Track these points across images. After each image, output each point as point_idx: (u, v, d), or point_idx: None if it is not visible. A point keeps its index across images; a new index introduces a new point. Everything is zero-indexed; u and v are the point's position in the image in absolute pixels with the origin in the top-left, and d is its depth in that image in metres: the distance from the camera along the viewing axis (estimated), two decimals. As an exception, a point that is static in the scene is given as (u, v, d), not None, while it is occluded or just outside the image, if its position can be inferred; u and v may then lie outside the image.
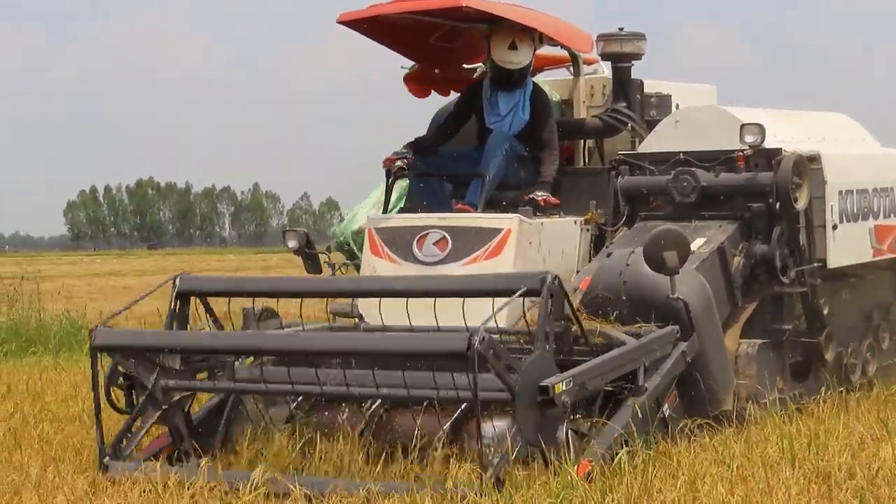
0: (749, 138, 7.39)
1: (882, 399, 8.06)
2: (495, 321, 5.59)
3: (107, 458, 6.21)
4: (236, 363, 6.54)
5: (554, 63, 9.16)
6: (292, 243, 8.19)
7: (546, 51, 8.71)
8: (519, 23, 7.74)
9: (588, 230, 7.84)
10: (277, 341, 6.43)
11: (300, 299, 6.79)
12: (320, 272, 8.18)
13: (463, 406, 5.95)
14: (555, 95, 8.73)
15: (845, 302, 8.42)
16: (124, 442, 6.32)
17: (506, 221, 7.24)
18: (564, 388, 5.43)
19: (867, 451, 6.16)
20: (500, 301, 5.77)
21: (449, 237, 7.28)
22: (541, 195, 7.58)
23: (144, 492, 5.65)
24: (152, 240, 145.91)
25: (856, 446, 6.23)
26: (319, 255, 8.23)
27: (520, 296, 5.75)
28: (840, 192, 7.83)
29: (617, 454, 5.57)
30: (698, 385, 6.58)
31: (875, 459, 5.86)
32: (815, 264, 7.66)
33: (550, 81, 8.85)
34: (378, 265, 7.49)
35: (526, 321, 6.47)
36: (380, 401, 6.27)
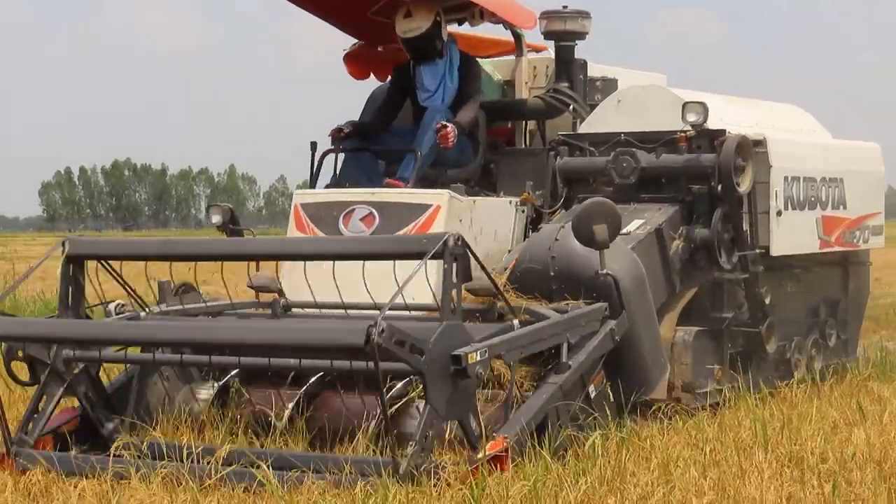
0: (691, 117, 7.42)
1: (855, 384, 8.11)
2: (402, 297, 5.48)
3: (13, 445, 6.02)
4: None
5: (502, 50, 9.11)
6: (216, 218, 8.10)
7: (492, 34, 8.75)
8: None
9: (523, 211, 7.85)
10: (166, 332, 6.24)
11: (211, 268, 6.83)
12: None
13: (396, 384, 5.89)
14: (496, 76, 8.75)
15: (790, 294, 8.46)
16: (30, 425, 6.14)
17: (435, 197, 7.21)
18: (478, 358, 5.34)
19: (840, 435, 6.35)
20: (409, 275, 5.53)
21: (376, 213, 7.25)
22: (448, 126, 7.49)
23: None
24: (128, 221, 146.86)
25: (828, 431, 6.38)
26: (244, 231, 8.16)
27: (420, 259, 5.55)
28: (786, 178, 7.87)
29: (540, 432, 5.58)
30: (628, 366, 6.55)
31: (848, 444, 6.02)
32: (758, 251, 7.68)
33: (493, 62, 8.84)
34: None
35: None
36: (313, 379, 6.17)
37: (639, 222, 7.32)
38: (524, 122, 8.65)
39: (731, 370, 7.78)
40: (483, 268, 5.92)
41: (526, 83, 8.65)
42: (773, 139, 7.78)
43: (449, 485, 5.07)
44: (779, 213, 7.78)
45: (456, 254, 5.50)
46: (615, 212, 6.31)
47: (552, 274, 6.58)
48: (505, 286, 6.56)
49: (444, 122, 7.54)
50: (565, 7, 8.36)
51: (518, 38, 8.60)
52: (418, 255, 5.54)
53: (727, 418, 6.90)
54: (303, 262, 6.89)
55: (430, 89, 8.04)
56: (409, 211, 7.21)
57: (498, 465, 5.28)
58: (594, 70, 8.72)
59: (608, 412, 6.31)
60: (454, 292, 5.48)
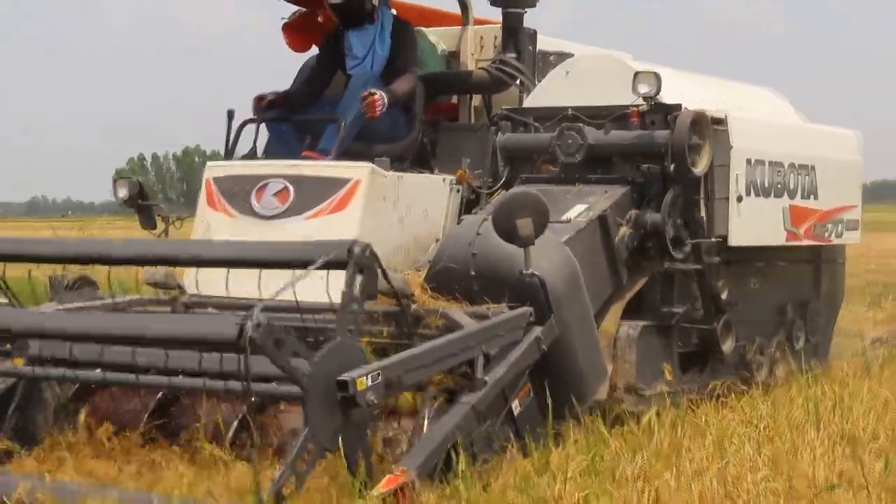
0: (643, 88, 6.76)
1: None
2: (295, 297, 4.71)
3: None
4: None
5: (451, 22, 8.43)
6: (122, 192, 7.49)
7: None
8: None
9: (459, 191, 7.22)
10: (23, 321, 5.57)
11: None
12: (154, 227, 7.51)
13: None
14: (441, 46, 8.13)
15: (754, 291, 7.81)
16: None
17: (355, 171, 6.62)
18: (369, 383, 4.60)
19: (891, 414, 6.51)
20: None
21: (291, 187, 6.68)
22: (376, 93, 6.91)
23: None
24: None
25: (880, 409, 6.56)
26: (153, 206, 7.55)
27: (319, 268, 4.90)
28: (749, 161, 7.20)
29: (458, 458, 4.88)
30: (560, 375, 5.79)
31: (898, 422, 6.31)
32: (714, 240, 7.01)
33: (438, 31, 8.20)
34: (213, 219, 6.88)
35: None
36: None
37: (581, 207, 6.65)
38: (469, 96, 8.00)
39: (681, 371, 7.15)
40: (386, 277, 5.20)
41: (472, 54, 8.05)
42: (735, 117, 7.11)
43: None
44: (739, 199, 7.09)
45: (362, 264, 4.84)
46: (542, 204, 5.59)
47: (473, 273, 5.86)
48: (423, 285, 5.94)
49: (371, 91, 6.94)
50: None
51: (465, 6, 8.00)
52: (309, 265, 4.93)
53: (780, 397, 7.09)
54: None
55: (358, 56, 7.50)
56: (327, 185, 6.62)
57: (397, 501, 4.54)
58: (549, 44, 8.13)
59: (535, 429, 5.56)
60: (355, 307, 4.84)
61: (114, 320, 5.58)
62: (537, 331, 5.60)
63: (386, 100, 6.96)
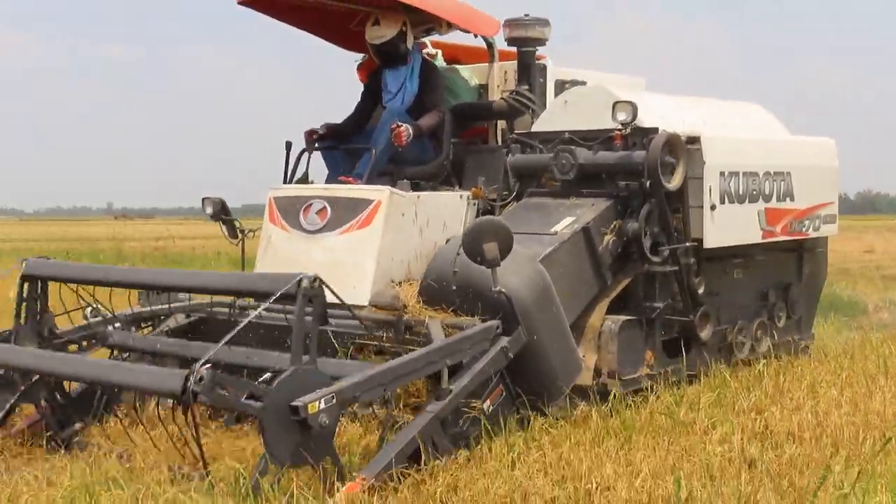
0: (620, 116, 5.94)
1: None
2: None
3: None
4: None
5: (477, 57, 7.59)
6: (209, 210, 6.98)
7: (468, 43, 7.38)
8: (399, 0, 6.35)
9: (475, 204, 6.46)
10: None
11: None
12: (235, 237, 6.97)
13: None
14: (473, 80, 7.36)
15: (735, 281, 6.87)
16: None
17: (376, 193, 5.93)
18: (322, 406, 4.00)
19: None
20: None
21: (329, 207, 6.03)
22: (402, 126, 6.21)
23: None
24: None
25: None
26: (234, 221, 7.01)
27: (274, 301, 4.33)
28: (722, 174, 6.27)
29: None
30: (532, 376, 5.05)
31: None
32: (689, 244, 6.12)
33: (471, 67, 7.42)
34: (273, 232, 6.30)
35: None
36: None
37: (569, 220, 5.90)
38: (496, 122, 7.22)
39: (667, 355, 6.30)
40: (345, 304, 4.67)
41: (498, 86, 7.23)
42: (708, 136, 6.18)
43: None
44: (713, 208, 6.19)
45: (310, 295, 4.19)
46: (505, 230, 4.87)
47: (454, 288, 5.19)
48: (417, 298, 5.34)
49: (398, 123, 6.24)
50: (526, 15, 6.91)
51: (490, 45, 7.21)
52: (269, 296, 4.32)
53: (857, 354, 7.27)
54: (272, 259, 6.08)
55: (392, 91, 6.77)
56: (355, 205, 5.96)
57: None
58: (565, 73, 7.28)
59: (508, 423, 4.87)
60: (309, 335, 4.20)
61: (79, 365, 5.02)
62: (504, 341, 4.87)
63: (411, 131, 6.27)
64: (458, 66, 7.37)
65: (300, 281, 4.18)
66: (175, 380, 3.85)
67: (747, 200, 6.50)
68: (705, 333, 6.35)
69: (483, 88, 7.35)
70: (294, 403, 3.94)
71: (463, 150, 6.93)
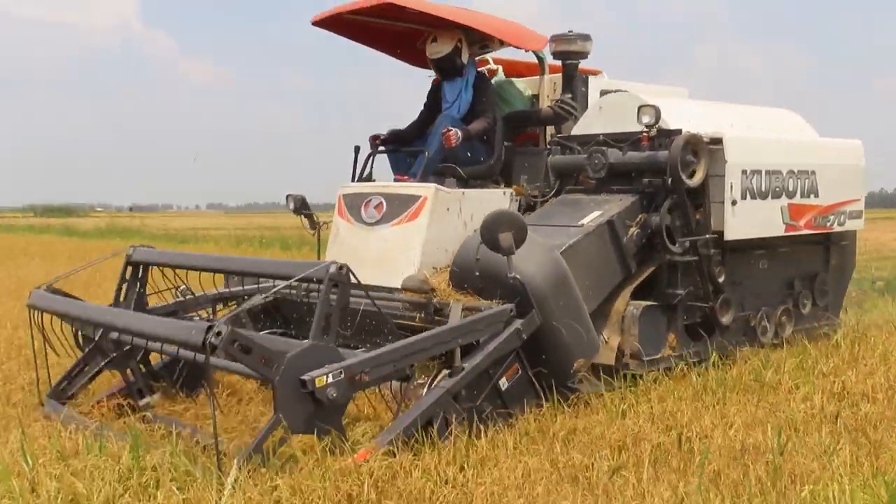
0: (645, 119, 5.52)
1: None
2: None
3: (47, 397, 4.97)
4: None
5: (534, 71, 7.16)
6: (291, 205, 6.85)
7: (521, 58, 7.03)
8: (454, 21, 6.04)
9: (517, 200, 6.13)
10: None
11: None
12: (314, 228, 6.81)
13: None
14: (527, 91, 7.01)
15: (760, 271, 6.32)
16: (64, 385, 5.05)
17: (423, 189, 5.65)
18: (330, 380, 3.75)
19: None
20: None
21: (385, 202, 5.79)
22: (451, 130, 5.92)
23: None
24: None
25: None
26: (312, 214, 6.85)
27: (298, 280, 4.23)
28: (744, 172, 5.75)
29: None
30: (548, 355, 4.70)
31: None
32: (709, 236, 5.63)
33: (526, 80, 7.07)
34: (340, 225, 6.12)
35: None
36: None
37: (597, 213, 5.49)
38: (544, 127, 6.85)
39: (691, 338, 5.83)
40: (369, 297, 4.33)
41: (547, 96, 6.86)
42: (730, 137, 5.67)
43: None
44: (734, 203, 5.69)
45: (336, 280, 3.96)
46: (519, 221, 4.56)
47: (476, 274, 4.88)
48: (448, 282, 5.03)
49: (448, 127, 5.96)
50: (570, 31, 6.51)
51: (540, 60, 6.85)
52: (306, 280, 4.24)
53: None
54: (339, 248, 5.88)
55: (449, 101, 6.45)
56: (406, 201, 5.70)
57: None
58: (609, 84, 6.84)
59: (525, 400, 4.58)
60: (331, 317, 3.95)
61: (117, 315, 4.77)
62: (518, 323, 4.53)
63: (460, 134, 5.97)
64: (514, 79, 7.04)
65: (328, 268, 3.96)
66: (197, 333, 3.63)
67: (770, 196, 5.96)
68: (726, 319, 5.85)
69: (535, 98, 6.99)
70: (303, 377, 3.71)
71: (513, 152, 6.61)
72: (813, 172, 6.29)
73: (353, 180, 6.54)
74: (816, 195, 6.35)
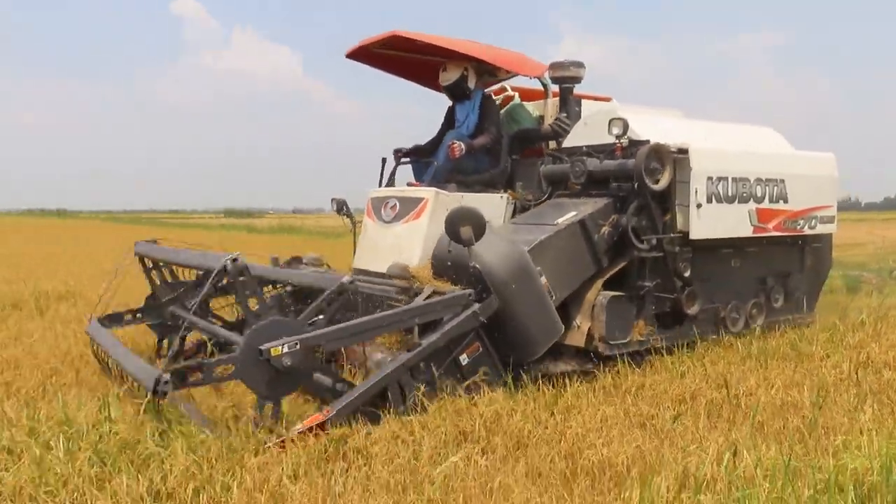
0: (615, 130, 5.13)
1: None
2: None
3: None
4: None
5: (535, 96, 6.76)
6: (334, 207, 6.71)
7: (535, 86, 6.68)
8: (457, 52, 5.75)
9: (513, 203, 5.79)
10: None
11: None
12: (353, 226, 6.66)
13: None
14: (535, 112, 6.66)
15: (731, 268, 5.77)
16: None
17: (425, 193, 5.42)
18: (285, 350, 3.57)
19: None
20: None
21: (398, 204, 5.58)
22: (455, 143, 5.66)
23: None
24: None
25: None
26: (351, 215, 6.68)
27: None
28: (710, 178, 5.26)
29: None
30: (510, 336, 4.37)
31: None
32: (673, 235, 5.16)
33: (535, 103, 6.72)
34: (367, 223, 5.97)
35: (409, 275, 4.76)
36: None
37: (572, 213, 5.10)
38: (546, 142, 6.47)
39: (663, 326, 5.37)
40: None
41: (551, 116, 6.47)
42: (695, 148, 5.18)
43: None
44: (699, 206, 5.20)
45: (234, 272, 3.74)
46: (478, 215, 4.24)
47: (449, 264, 4.61)
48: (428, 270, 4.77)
49: (452, 141, 5.71)
50: (565, 60, 6.15)
51: (544, 85, 6.47)
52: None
53: None
54: (365, 242, 5.73)
55: (459, 120, 6.18)
56: (413, 203, 5.48)
57: (316, 434, 3.46)
58: (614, 108, 6.37)
59: (485, 373, 4.22)
60: (247, 302, 3.76)
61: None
62: (475, 306, 4.20)
63: (463, 147, 5.70)
64: (525, 103, 6.71)
65: (225, 265, 3.77)
66: (148, 379, 3.45)
67: (737, 201, 5.44)
68: (693, 310, 5.35)
69: (541, 118, 6.66)
70: (261, 346, 3.53)
71: (518, 163, 6.28)
72: (782, 181, 5.72)
73: (379, 186, 6.37)
74: (786, 201, 5.76)
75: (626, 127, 5.03)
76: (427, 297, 4.22)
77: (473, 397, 3.99)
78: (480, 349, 4.22)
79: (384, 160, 6.43)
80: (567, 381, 4.46)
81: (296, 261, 6.12)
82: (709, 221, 5.24)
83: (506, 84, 6.85)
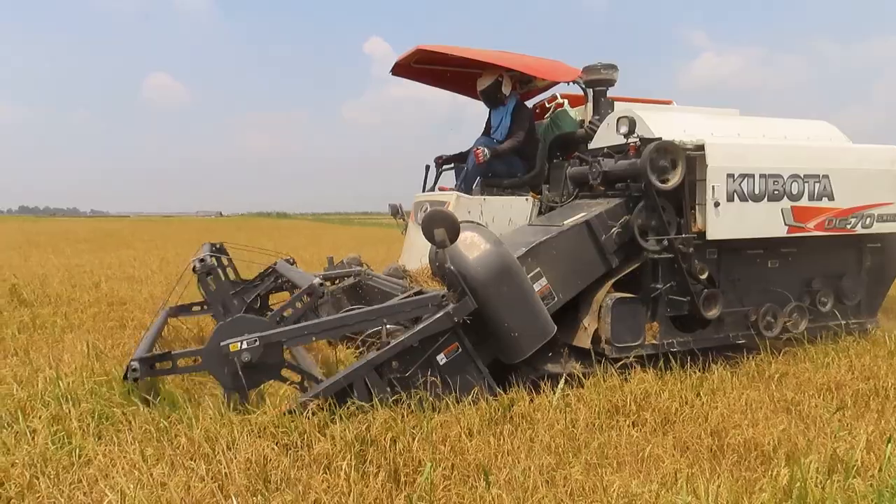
0: (622, 129, 4.72)
1: None
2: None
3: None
4: None
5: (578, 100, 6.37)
6: (389, 210, 6.74)
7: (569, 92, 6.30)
8: (490, 63, 5.54)
9: (538, 205, 5.49)
10: None
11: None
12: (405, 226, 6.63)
13: None
14: (577, 117, 6.28)
15: (766, 269, 5.11)
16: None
17: (448, 196, 5.33)
18: (243, 346, 3.55)
19: None
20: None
21: (429, 207, 5.51)
22: (479, 149, 5.48)
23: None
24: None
25: None
26: (404, 217, 6.65)
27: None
28: (731, 175, 4.67)
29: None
30: (496, 338, 4.07)
31: None
32: (685, 235, 4.63)
33: (578, 108, 6.33)
34: (410, 225, 6.04)
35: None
36: None
37: (581, 214, 4.74)
38: (584, 145, 6.05)
39: (682, 330, 4.83)
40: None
41: (588, 120, 6.08)
42: (711, 143, 4.63)
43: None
44: (716, 205, 4.63)
45: (202, 272, 3.87)
46: (451, 218, 3.97)
47: (437, 265, 4.39)
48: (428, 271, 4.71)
49: (476, 147, 5.53)
50: (599, 63, 5.72)
51: (584, 92, 6.07)
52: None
53: None
54: (408, 242, 5.71)
55: (494, 126, 5.98)
56: (438, 206, 5.35)
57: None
58: (671, 111, 5.88)
59: (465, 374, 3.98)
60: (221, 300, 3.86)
61: None
62: (449, 307, 3.97)
63: (487, 152, 5.48)
64: (568, 108, 6.33)
65: (194, 266, 3.90)
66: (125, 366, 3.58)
67: (766, 199, 4.79)
68: (711, 313, 4.78)
69: (582, 122, 6.24)
70: (221, 343, 3.55)
71: (557, 167, 5.95)
72: (825, 176, 4.97)
73: (422, 191, 6.27)
74: (831, 198, 5.00)
75: (632, 125, 4.59)
76: (405, 297, 4.06)
77: (625, 375, 4.16)
78: (459, 349, 4.00)
79: (427, 167, 6.34)
80: (713, 365, 4.48)
81: (354, 261, 6.14)
82: (729, 221, 4.66)
83: (556, 93, 6.52)
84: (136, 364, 3.47)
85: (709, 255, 4.80)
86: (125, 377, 3.47)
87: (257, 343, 3.59)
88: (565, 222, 4.68)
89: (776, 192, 4.83)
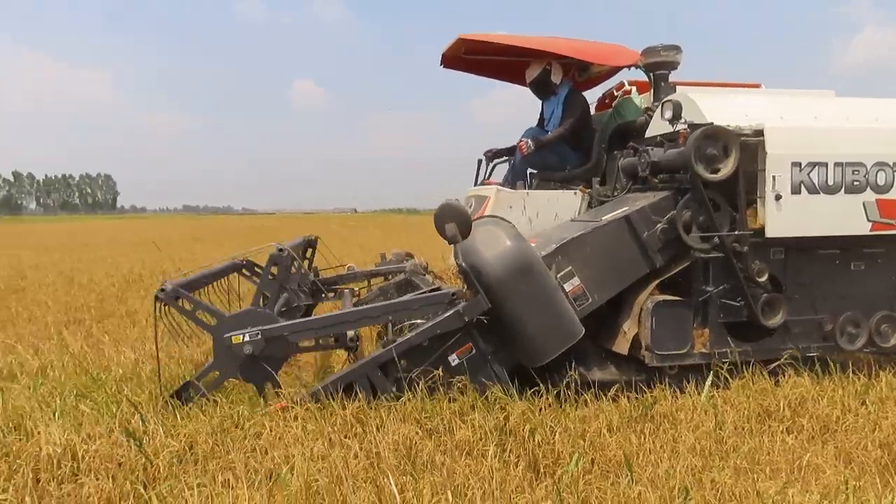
0: (666, 114, 4.03)
1: None
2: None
3: None
4: None
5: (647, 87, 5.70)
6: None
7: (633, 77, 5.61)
8: (535, 50, 5.00)
9: (586, 198, 4.90)
10: None
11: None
12: None
13: None
14: (642, 104, 5.57)
15: (846, 272, 4.20)
16: None
17: (490, 191, 4.90)
18: (246, 339, 3.37)
19: None
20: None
21: (475, 201, 5.14)
22: (523, 141, 5.06)
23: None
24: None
25: None
26: None
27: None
28: (797, 164, 3.84)
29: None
30: (514, 338, 3.61)
31: None
32: (740, 232, 3.87)
33: (642, 95, 5.62)
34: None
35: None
36: None
37: (622, 209, 4.12)
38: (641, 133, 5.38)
39: (741, 338, 4.06)
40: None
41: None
42: (772, 128, 3.83)
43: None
44: (778, 198, 3.83)
45: (275, 260, 3.69)
46: (463, 212, 3.59)
47: (457, 261, 3.97)
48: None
49: (521, 139, 5.06)
50: (660, 44, 5.01)
51: (650, 77, 5.37)
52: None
53: None
54: None
55: (546, 117, 5.45)
56: (481, 200, 5.02)
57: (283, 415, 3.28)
58: (763, 94, 5.07)
59: (479, 375, 3.58)
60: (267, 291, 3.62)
61: None
62: (459, 305, 3.55)
63: (531, 144, 4.99)
64: (634, 95, 5.64)
65: (281, 251, 3.62)
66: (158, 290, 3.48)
67: (843, 191, 3.91)
68: (773, 321, 3.97)
69: (647, 109, 5.52)
70: (226, 335, 3.39)
71: (611, 157, 5.30)
72: (923, 165, 3.98)
73: (474, 185, 5.82)
74: (930, 190, 4.01)
75: (678, 109, 3.90)
76: (417, 294, 3.69)
77: (777, 379, 3.75)
78: (473, 350, 3.58)
79: (479, 161, 5.89)
80: (880, 371, 3.98)
81: (399, 257, 5.87)
82: (794, 216, 3.86)
83: (624, 80, 5.85)
84: (169, 286, 3.43)
85: (773, 256, 4.02)
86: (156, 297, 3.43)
87: (259, 336, 3.42)
88: (603, 217, 4.10)
89: (856, 184, 3.94)
